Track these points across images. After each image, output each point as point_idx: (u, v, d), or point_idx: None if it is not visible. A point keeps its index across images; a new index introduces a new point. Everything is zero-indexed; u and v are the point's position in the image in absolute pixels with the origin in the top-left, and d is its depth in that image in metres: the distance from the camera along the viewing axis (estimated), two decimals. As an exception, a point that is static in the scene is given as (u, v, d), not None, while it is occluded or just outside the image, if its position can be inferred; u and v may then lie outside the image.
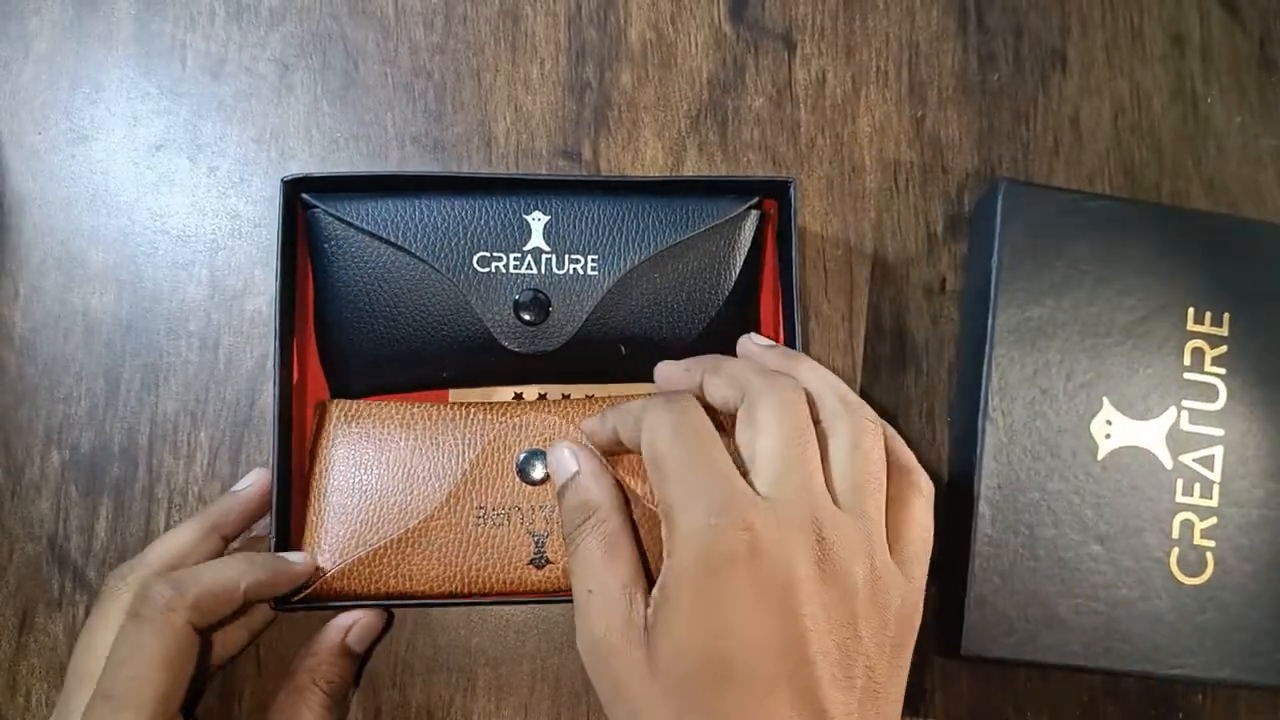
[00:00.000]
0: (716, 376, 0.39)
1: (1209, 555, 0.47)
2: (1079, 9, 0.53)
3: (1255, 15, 0.54)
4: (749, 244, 0.45)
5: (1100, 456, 0.47)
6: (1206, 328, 0.49)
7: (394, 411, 0.44)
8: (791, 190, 0.45)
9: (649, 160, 0.51)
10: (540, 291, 0.43)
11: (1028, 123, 0.53)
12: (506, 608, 0.48)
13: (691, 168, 0.51)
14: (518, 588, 0.43)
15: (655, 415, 0.37)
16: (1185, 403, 0.48)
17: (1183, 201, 0.53)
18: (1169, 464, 0.48)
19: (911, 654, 0.36)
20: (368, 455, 0.43)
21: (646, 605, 0.35)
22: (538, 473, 0.43)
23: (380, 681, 0.47)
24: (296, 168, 0.50)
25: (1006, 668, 0.49)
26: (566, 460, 0.40)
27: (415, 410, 0.44)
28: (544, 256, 0.43)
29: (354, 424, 0.43)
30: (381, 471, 0.43)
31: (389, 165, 0.50)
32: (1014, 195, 0.48)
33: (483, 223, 0.43)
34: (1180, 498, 0.48)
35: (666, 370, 0.43)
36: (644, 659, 0.34)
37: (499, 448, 0.43)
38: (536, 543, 0.43)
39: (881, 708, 0.35)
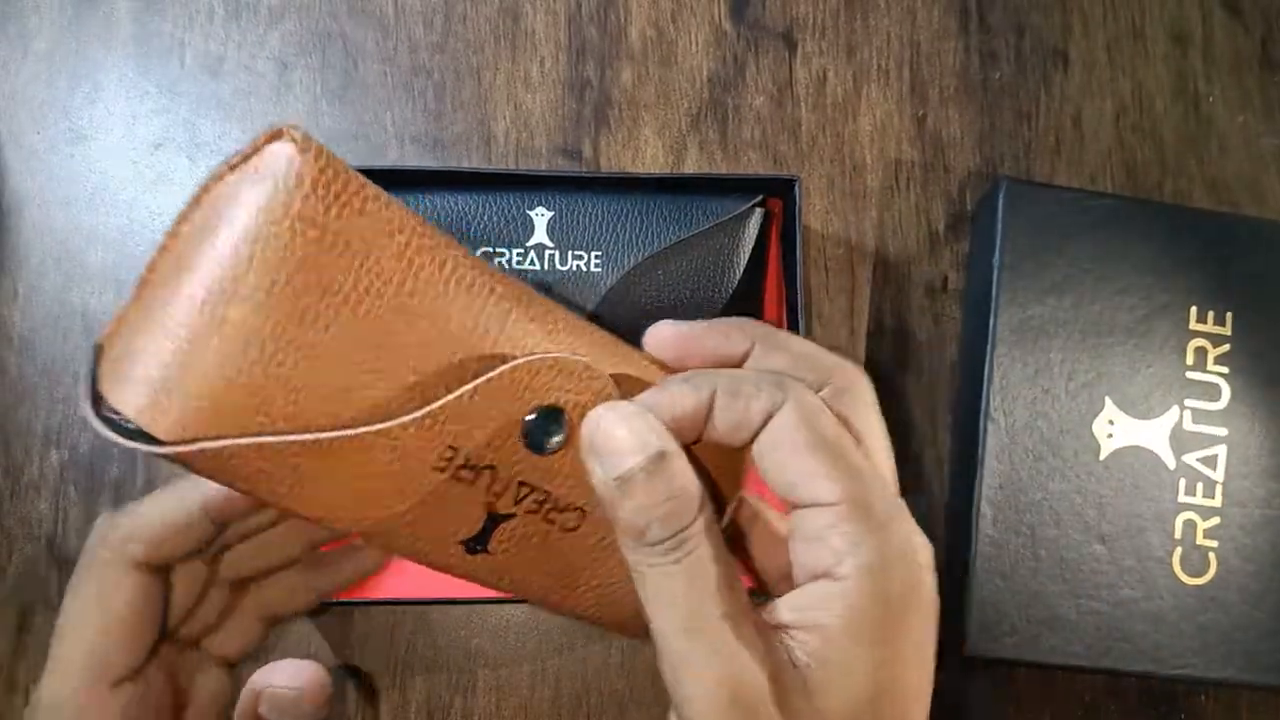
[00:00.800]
0: (733, 398, 0.28)
1: (1211, 555, 0.47)
2: (1081, 8, 0.53)
3: (1257, 14, 0.54)
4: (753, 242, 0.45)
5: (1102, 456, 0.47)
6: (1209, 327, 0.49)
7: (410, 235, 0.26)
8: (796, 189, 0.45)
9: (649, 159, 0.51)
10: (543, 286, 0.43)
11: (1029, 122, 0.53)
12: (507, 607, 0.48)
13: (692, 166, 0.51)
14: (435, 563, 0.30)
15: (806, 397, 0.27)
16: (1188, 402, 0.48)
17: (1185, 201, 0.53)
18: (1171, 464, 0.48)
19: None
20: (333, 282, 0.25)
21: (790, 636, 0.26)
22: (553, 441, 0.29)
23: (380, 681, 0.47)
24: (296, 167, 0.49)
25: (1008, 668, 0.49)
26: (643, 433, 0.26)
27: (442, 250, 0.27)
28: (547, 252, 0.43)
29: (332, 214, 0.25)
30: (342, 325, 0.25)
31: (389, 163, 0.50)
32: (1016, 194, 0.48)
33: (486, 218, 0.43)
34: (1183, 497, 0.47)
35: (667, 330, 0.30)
36: (810, 710, 0.25)
37: (519, 382, 0.28)
38: (487, 523, 0.29)
39: None
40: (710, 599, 0.25)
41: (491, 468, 0.28)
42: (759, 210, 0.45)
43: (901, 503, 0.28)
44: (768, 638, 0.26)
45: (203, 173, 0.49)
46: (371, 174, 0.43)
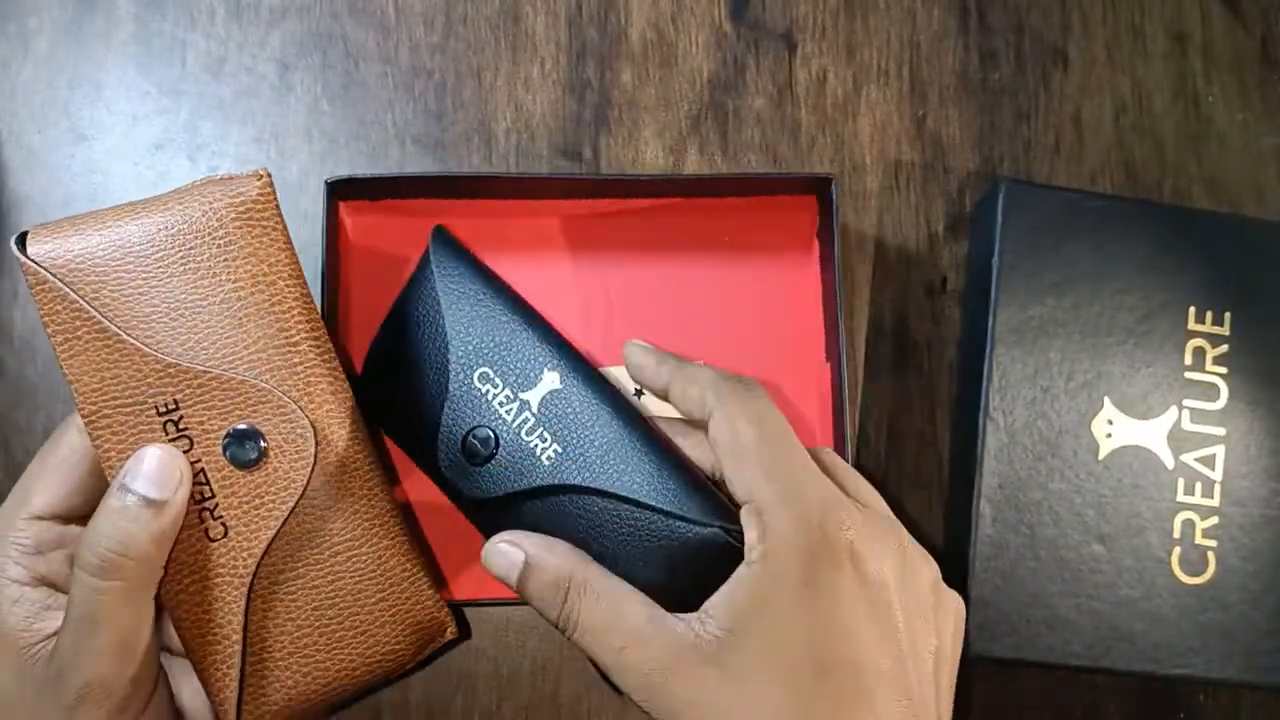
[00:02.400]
0: (688, 384, 0.38)
1: (1210, 555, 0.47)
2: (1080, 7, 0.53)
3: (1257, 13, 0.54)
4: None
5: (1101, 456, 0.47)
6: (1208, 327, 0.49)
7: (284, 279, 0.38)
8: (833, 188, 0.46)
9: (649, 160, 0.51)
10: (494, 441, 0.40)
11: (1029, 121, 0.53)
12: (507, 607, 0.48)
13: (692, 167, 0.51)
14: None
15: (741, 403, 0.36)
16: (1186, 402, 0.48)
17: (1184, 200, 0.53)
18: (1170, 463, 0.48)
19: None
20: (201, 257, 0.38)
21: (701, 623, 0.35)
22: (246, 457, 0.37)
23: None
24: (296, 167, 0.50)
25: (1008, 668, 0.49)
26: (508, 553, 0.38)
27: (294, 292, 0.38)
28: (526, 412, 0.40)
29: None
30: (185, 279, 0.37)
31: (389, 164, 0.50)
32: (1015, 194, 0.48)
33: (507, 343, 0.42)
34: (1181, 497, 0.47)
35: (638, 357, 0.41)
36: (719, 674, 0.34)
37: (243, 395, 0.37)
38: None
39: (947, 709, 0.36)
40: (611, 628, 0.35)
41: (190, 439, 0.36)
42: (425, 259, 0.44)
43: (800, 479, 0.35)
44: (674, 630, 0.35)
45: (204, 172, 0.50)
46: (378, 181, 0.45)
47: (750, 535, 0.35)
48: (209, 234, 0.37)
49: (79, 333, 0.36)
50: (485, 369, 0.41)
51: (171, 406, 0.36)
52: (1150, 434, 0.48)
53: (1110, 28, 0.54)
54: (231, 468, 0.37)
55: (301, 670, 0.38)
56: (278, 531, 0.37)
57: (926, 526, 0.50)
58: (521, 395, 0.40)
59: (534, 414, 0.40)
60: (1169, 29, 0.54)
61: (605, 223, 0.49)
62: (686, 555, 0.37)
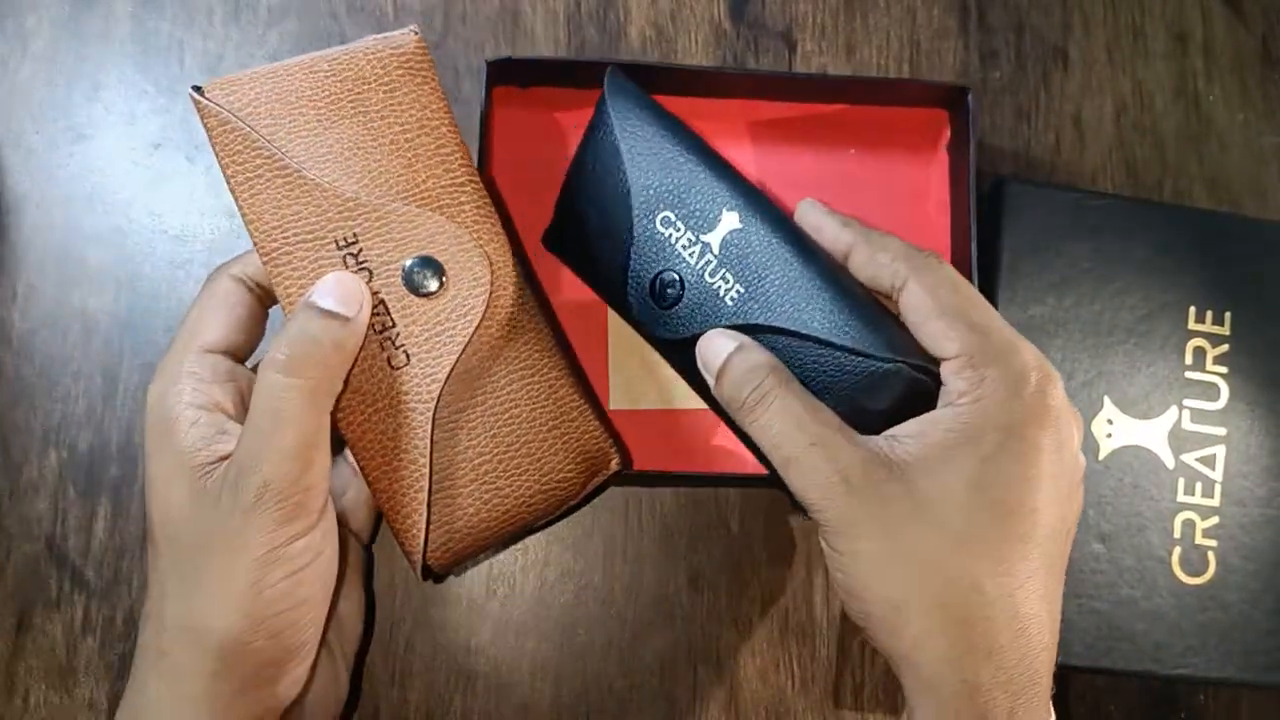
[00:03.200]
0: (878, 251, 0.39)
1: (1211, 554, 0.47)
2: (1080, 7, 0.53)
3: (1257, 12, 0.54)
4: None
5: (1101, 456, 0.47)
6: (1208, 327, 0.49)
7: (442, 122, 0.40)
8: (969, 99, 0.46)
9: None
10: (680, 284, 0.41)
11: (1029, 121, 0.53)
12: (507, 607, 0.48)
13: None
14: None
15: (936, 272, 0.38)
16: (1187, 402, 0.48)
17: (1185, 200, 0.53)
18: (1170, 463, 0.48)
19: None
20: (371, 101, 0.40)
21: (893, 445, 0.36)
22: (426, 286, 0.38)
23: (380, 681, 0.47)
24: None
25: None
26: (721, 341, 0.39)
27: (458, 151, 0.40)
28: (708, 254, 0.41)
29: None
30: (358, 119, 0.39)
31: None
32: (1016, 194, 0.48)
33: (696, 187, 0.42)
34: (1182, 497, 0.47)
35: (816, 218, 0.41)
36: (904, 492, 0.35)
37: (417, 226, 0.39)
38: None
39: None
40: (802, 424, 0.36)
41: (369, 271, 0.38)
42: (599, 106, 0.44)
43: (1013, 339, 0.37)
44: (865, 444, 0.36)
45: (202, 172, 0.49)
46: (567, 64, 0.48)
47: (959, 384, 0.36)
48: (376, 81, 0.39)
49: (260, 171, 0.37)
50: (667, 212, 0.41)
51: (351, 240, 0.38)
52: (1150, 434, 0.48)
53: (1111, 27, 0.53)
54: (411, 296, 0.38)
55: (483, 497, 0.40)
56: (458, 358, 0.38)
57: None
58: (703, 237, 0.41)
59: (716, 255, 0.41)
60: (1170, 29, 0.54)
61: (741, 124, 0.50)
62: (870, 390, 0.38)
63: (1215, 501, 0.48)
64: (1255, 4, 0.54)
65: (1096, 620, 0.46)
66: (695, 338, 0.40)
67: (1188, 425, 0.48)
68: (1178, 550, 0.47)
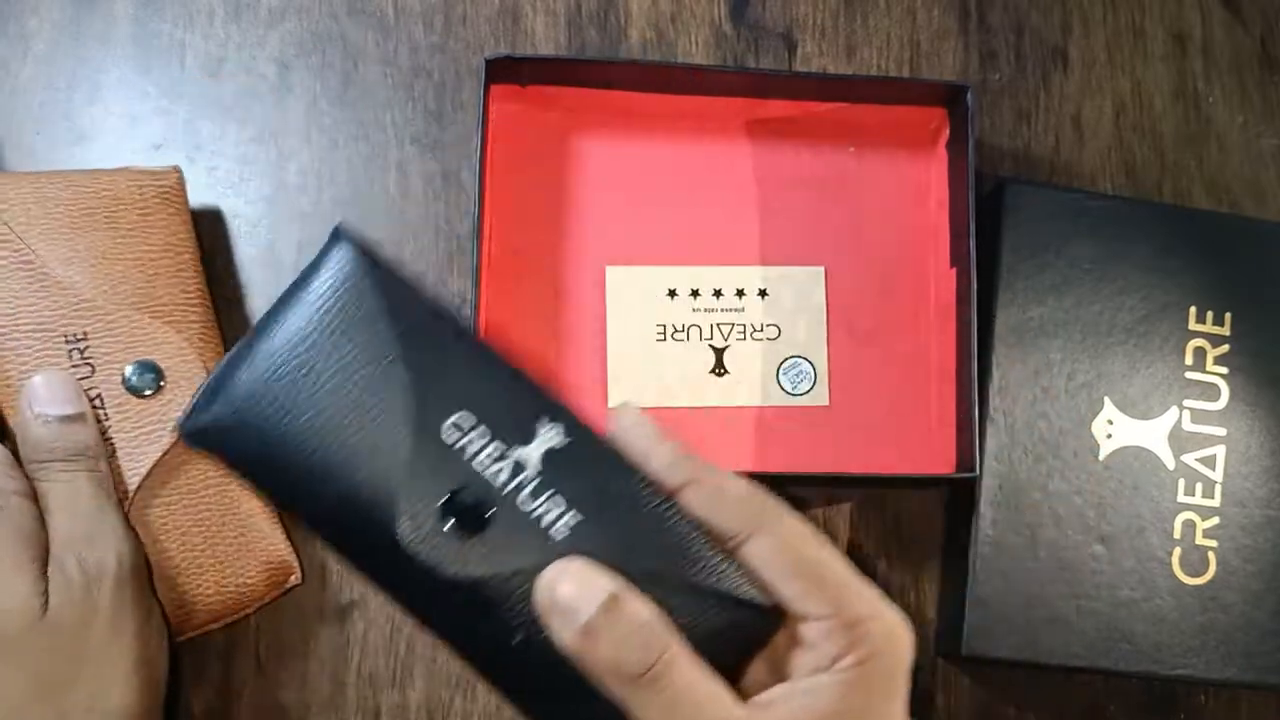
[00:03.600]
0: (714, 494, 0.32)
1: (1211, 555, 0.47)
2: (1080, 7, 0.53)
3: (1256, 14, 0.54)
4: (324, 289, 0.32)
5: (1102, 456, 0.47)
6: (1208, 327, 0.49)
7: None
8: (968, 98, 0.46)
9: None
10: (490, 505, 0.31)
11: (1029, 122, 0.53)
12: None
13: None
14: None
15: (793, 521, 0.33)
16: (1187, 402, 0.48)
17: (1184, 201, 0.53)
18: (1171, 464, 0.48)
19: None
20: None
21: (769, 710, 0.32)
22: (145, 389, 0.42)
23: (380, 681, 0.47)
24: (296, 168, 0.49)
25: (1008, 669, 0.49)
26: (591, 581, 0.30)
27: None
28: (523, 473, 0.31)
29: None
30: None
31: (388, 164, 0.50)
32: (1016, 195, 0.48)
33: (501, 385, 0.32)
34: (1182, 498, 0.47)
35: (641, 440, 0.33)
36: None
37: (138, 332, 0.43)
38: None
39: None
40: (703, 711, 0.30)
41: (92, 367, 0.41)
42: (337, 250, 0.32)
43: (874, 596, 0.33)
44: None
45: (202, 173, 0.49)
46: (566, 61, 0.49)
47: (832, 648, 0.32)
48: (132, 202, 0.43)
49: (5, 261, 0.41)
50: (458, 415, 0.31)
51: (80, 336, 0.41)
52: (1151, 434, 0.48)
53: (1110, 28, 0.54)
54: (129, 395, 0.42)
55: (162, 591, 0.42)
56: (160, 459, 0.42)
57: (927, 528, 0.50)
58: (516, 451, 0.31)
59: (539, 473, 0.31)
60: (1169, 29, 0.54)
61: (741, 122, 0.50)
62: (732, 637, 0.32)
63: (1216, 502, 0.48)
64: (1254, 5, 0.54)
65: (1096, 621, 0.46)
66: (493, 578, 0.30)
67: (1188, 426, 0.48)
68: (1178, 551, 0.47)
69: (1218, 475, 0.48)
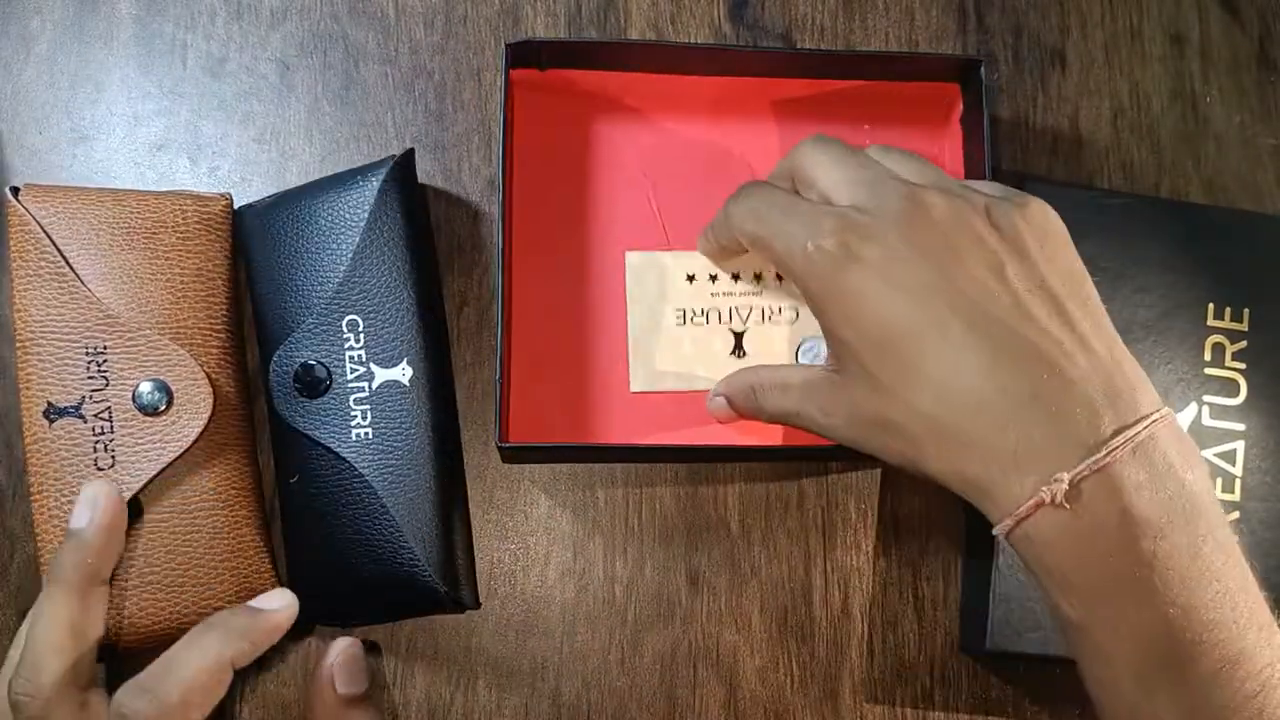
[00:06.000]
0: (742, 207, 0.42)
1: (1233, 550, 0.46)
2: (1078, 8, 0.54)
3: (1254, 15, 0.54)
4: (374, 198, 0.45)
5: (1120, 449, 0.46)
6: (1226, 323, 0.48)
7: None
8: (981, 73, 0.47)
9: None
10: (325, 387, 0.44)
11: (1027, 122, 0.53)
12: (507, 607, 0.47)
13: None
14: None
15: (737, 205, 0.42)
16: (1206, 398, 0.48)
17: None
18: (1190, 457, 0.47)
19: None
20: None
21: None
22: (157, 406, 0.43)
23: (380, 681, 0.46)
24: (297, 168, 0.49)
25: (1030, 663, 0.48)
26: (716, 399, 0.45)
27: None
28: (363, 383, 0.44)
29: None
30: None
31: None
32: (1032, 193, 0.48)
33: (399, 316, 0.44)
34: (1201, 492, 0.46)
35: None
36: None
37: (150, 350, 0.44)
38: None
39: None
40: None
41: (106, 379, 0.43)
42: (387, 167, 0.45)
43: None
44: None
45: (204, 173, 0.49)
46: (593, 45, 0.49)
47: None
48: (173, 226, 0.44)
49: (40, 271, 0.43)
50: (355, 317, 0.44)
51: (100, 350, 0.43)
52: (1168, 427, 0.47)
53: (1108, 29, 0.54)
54: (136, 411, 0.42)
55: (142, 604, 0.42)
56: (158, 474, 0.42)
57: (948, 521, 0.49)
58: (372, 365, 0.43)
59: (370, 390, 0.43)
60: (1167, 30, 0.54)
61: (758, 103, 0.50)
62: (399, 585, 0.43)
63: (1235, 497, 0.47)
64: (1252, 6, 0.54)
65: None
66: (304, 435, 0.43)
67: (1207, 421, 0.48)
68: (1199, 547, 0.46)
69: (1237, 470, 0.47)
